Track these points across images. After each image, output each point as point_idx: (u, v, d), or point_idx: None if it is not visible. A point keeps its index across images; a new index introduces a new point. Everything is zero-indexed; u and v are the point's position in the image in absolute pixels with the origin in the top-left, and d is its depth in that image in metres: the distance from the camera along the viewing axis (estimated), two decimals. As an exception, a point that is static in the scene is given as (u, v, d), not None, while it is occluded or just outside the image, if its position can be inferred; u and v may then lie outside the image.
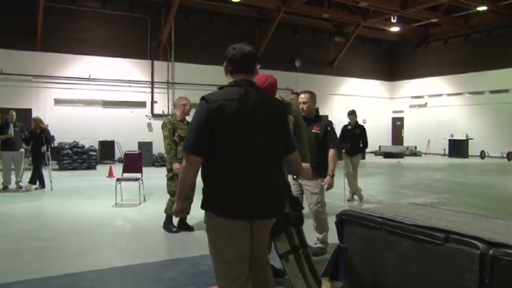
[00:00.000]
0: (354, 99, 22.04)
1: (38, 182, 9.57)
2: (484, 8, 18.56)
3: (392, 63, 24.92)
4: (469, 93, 21.38)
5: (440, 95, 22.62)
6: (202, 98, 2.42)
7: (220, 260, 2.46)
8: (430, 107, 23.05)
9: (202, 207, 2.46)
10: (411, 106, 24.13)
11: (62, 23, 15.95)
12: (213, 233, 2.47)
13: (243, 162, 2.38)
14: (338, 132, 9.70)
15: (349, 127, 8.50)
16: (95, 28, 16.80)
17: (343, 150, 8.35)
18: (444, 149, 21.59)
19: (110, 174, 11.65)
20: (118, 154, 16.26)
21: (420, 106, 23.55)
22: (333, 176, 4.73)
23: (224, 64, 2.53)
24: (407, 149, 22.45)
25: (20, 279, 3.93)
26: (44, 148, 9.43)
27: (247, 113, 2.39)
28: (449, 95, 22.29)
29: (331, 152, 4.70)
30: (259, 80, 3.10)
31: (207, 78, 16.38)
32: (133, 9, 17.37)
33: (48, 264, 4.43)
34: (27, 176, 9.71)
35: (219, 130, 2.34)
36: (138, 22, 17.35)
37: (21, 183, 9.48)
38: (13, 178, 9.49)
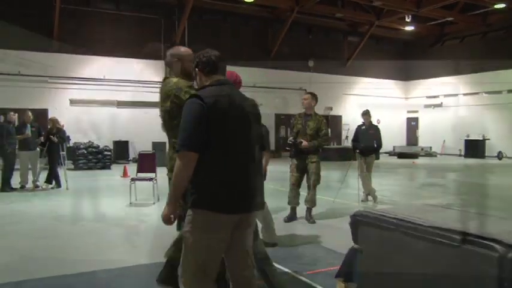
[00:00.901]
0: (367, 99, 21.86)
1: (53, 182, 9.70)
2: (501, 5, 18.26)
3: (406, 63, 24.67)
4: (486, 92, 21.06)
5: (456, 94, 22.33)
6: (193, 96, 2.45)
7: (200, 260, 2.41)
8: (446, 107, 22.77)
9: (196, 205, 2.39)
10: (426, 106, 23.87)
11: (78, 25, 16.16)
12: (200, 231, 2.39)
13: (238, 157, 2.45)
14: (352, 132, 9.68)
15: (363, 127, 8.43)
16: (109, 29, 16.97)
17: (357, 151, 8.30)
18: (460, 150, 21.30)
19: (125, 174, 11.75)
20: (132, 154, 16.40)
21: (435, 106, 23.28)
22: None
23: (196, 68, 2.62)
24: (422, 149, 22.21)
25: (36, 277, 3.98)
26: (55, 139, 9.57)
27: (237, 109, 2.48)
28: (465, 94, 21.99)
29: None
30: (230, 77, 3.15)
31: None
32: (146, 10, 17.51)
33: (64, 263, 4.48)
34: (43, 175, 9.85)
35: (216, 125, 2.37)
36: (152, 23, 17.48)
37: (37, 183, 9.63)
38: (30, 177, 9.64)
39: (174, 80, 3.13)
